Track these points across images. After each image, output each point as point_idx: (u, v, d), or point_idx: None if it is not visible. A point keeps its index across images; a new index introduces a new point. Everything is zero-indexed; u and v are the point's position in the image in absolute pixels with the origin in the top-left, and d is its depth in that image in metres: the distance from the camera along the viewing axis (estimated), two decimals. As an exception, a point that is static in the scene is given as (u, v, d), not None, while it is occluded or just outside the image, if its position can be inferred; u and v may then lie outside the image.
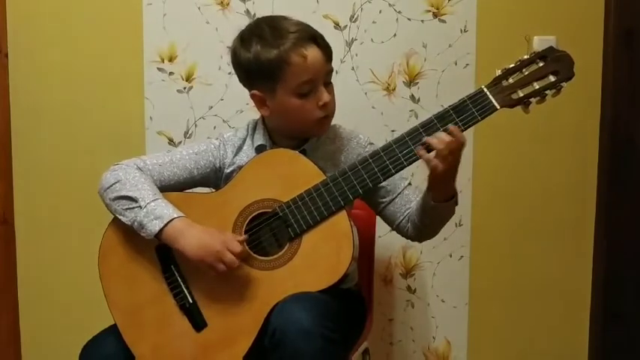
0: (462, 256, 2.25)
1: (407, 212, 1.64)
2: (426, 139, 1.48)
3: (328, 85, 1.62)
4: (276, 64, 1.54)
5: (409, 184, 1.67)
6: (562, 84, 1.49)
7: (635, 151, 2.18)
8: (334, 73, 2.14)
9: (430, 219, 1.59)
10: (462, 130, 1.49)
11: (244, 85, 1.66)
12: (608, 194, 2.20)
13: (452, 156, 1.47)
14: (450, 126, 1.48)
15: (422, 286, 2.28)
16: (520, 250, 2.25)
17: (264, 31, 1.57)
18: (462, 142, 1.47)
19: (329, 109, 1.61)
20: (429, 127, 1.50)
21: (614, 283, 2.23)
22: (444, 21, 2.17)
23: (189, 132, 2.23)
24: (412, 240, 1.68)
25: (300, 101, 1.57)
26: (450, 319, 2.28)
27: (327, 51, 1.61)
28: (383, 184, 1.60)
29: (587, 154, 2.21)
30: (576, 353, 2.28)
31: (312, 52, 1.56)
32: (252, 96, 1.64)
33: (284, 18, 1.63)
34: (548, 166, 2.22)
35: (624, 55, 2.16)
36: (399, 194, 1.65)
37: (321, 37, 1.61)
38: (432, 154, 1.47)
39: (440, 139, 1.47)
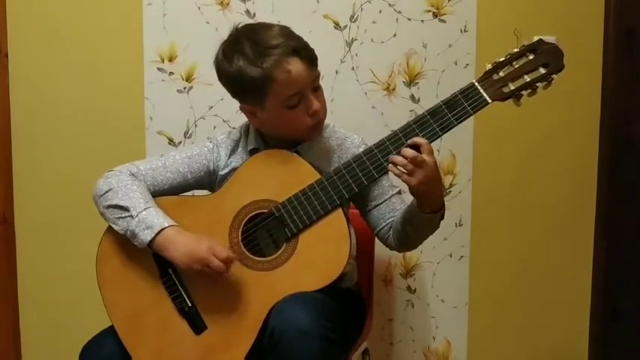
0: (462, 256, 2.25)
1: (390, 220, 1.63)
2: (390, 157, 1.47)
3: (317, 89, 1.58)
4: (260, 82, 1.51)
5: (398, 192, 1.65)
6: (552, 76, 1.48)
7: (635, 151, 2.18)
8: (334, 73, 2.18)
9: (413, 227, 1.56)
10: (456, 125, 1.48)
11: (233, 97, 1.64)
12: (608, 194, 2.20)
13: (421, 169, 1.44)
14: (416, 139, 1.47)
15: (422, 286, 2.28)
16: (520, 249, 2.25)
17: (245, 46, 1.52)
18: (427, 155, 1.44)
19: (320, 116, 1.58)
20: (421, 122, 1.49)
21: (614, 283, 2.22)
22: (444, 21, 2.17)
23: (189, 132, 2.23)
24: (391, 248, 1.65)
25: (290, 112, 1.55)
26: (450, 319, 2.28)
27: (310, 59, 1.55)
28: (371, 188, 1.60)
29: (587, 154, 2.21)
30: (576, 353, 2.28)
31: (296, 66, 1.51)
32: (242, 109, 1.63)
33: (265, 28, 1.57)
34: (548, 166, 2.21)
35: (624, 55, 2.15)
36: (385, 201, 1.63)
37: (303, 46, 1.55)
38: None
39: (404, 156, 1.45)
